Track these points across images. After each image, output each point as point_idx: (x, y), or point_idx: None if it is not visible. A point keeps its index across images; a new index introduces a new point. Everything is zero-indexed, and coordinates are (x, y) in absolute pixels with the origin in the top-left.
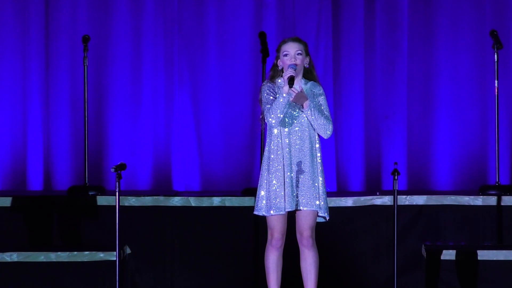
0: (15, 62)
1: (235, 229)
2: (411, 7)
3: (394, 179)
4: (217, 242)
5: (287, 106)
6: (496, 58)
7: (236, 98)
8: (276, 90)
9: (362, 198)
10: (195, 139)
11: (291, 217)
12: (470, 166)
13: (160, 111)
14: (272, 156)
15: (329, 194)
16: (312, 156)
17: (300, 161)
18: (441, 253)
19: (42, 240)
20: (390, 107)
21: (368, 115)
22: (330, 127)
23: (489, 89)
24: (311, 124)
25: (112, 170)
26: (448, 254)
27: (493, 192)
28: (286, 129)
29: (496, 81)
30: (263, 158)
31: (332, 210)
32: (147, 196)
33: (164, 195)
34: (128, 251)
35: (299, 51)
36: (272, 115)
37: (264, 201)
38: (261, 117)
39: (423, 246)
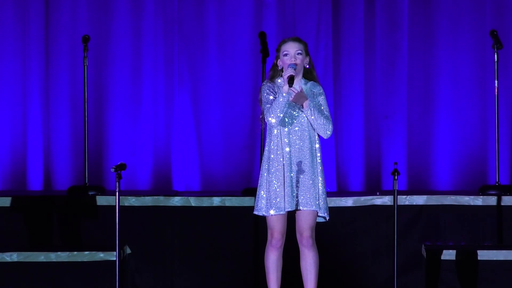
0: (15, 62)
1: (235, 229)
2: (411, 7)
3: (394, 179)
4: (217, 242)
5: (286, 106)
6: (496, 58)
7: (236, 98)
8: (276, 90)
9: (362, 198)
10: (195, 139)
11: (291, 217)
12: (470, 166)
13: (160, 111)
14: (272, 156)
15: (329, 194)
16: (312, 156)
17: (300, 161)
18: (441, 253)
19: (42, 240)
20: (390, 107)
21: (368, 115)
22: (330, 127)
23: (489, 89)
24: (311, 124)
25: (112, 170)
26: (448, 254)
27: (493, 192)
28: (286, 129)
29: (496, 81)
30: (263, 158)
31: (332, 210)
32: (147, 196)
33: (164, 195)
34: (128, 251)
35: (299, 51)
36: (272, 115)
37: (264, 201)
38: (261, 117)
39: (423, 246)
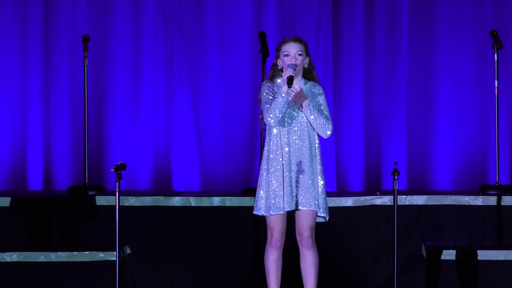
0: (15, 62)
1: (235, 229)
2: (411, 7)
3: (394, 179)
4: (217, 242)
5: (286, 106)
6: (496, 58)
7: (236, 98)
8: (276, 90)
9: (362, 198)
10: (195, 139)
11: (291, 217)
12: (470, 166)
13: (160, 111)
14: (272, 156)
15: (329, 194)
16: (312, 156)
17: (300, 161)
18: (441, 253)
19: (42, 240)
20: (390, 107)
21: (368, 115)
22: (330, 127)
23: (489, 89)
24: (310, 124)
25: (112, 170)
26: (448, 254)
27: (493, 192)
28: (286, 129)
29: (496, 81)
30: (263, 158)
31: (332, 210)
32: (147, 196)
33: (164, 195)
34: (128, 251)
35: (300, 52)
36: (271, 115)
37: (263, 201)
38: (260, 116)
39: (423, 246)
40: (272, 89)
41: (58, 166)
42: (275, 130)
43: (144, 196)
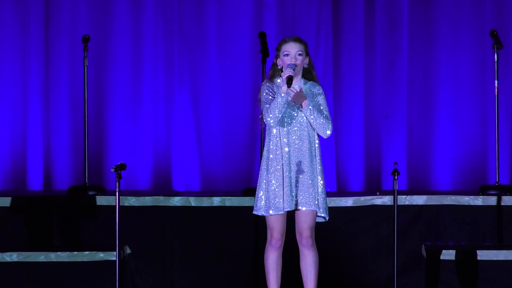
0: (15, 62)
1: (235, 229)
2: (411, 7)
3: (394, 179)
4: (217, 242)
5: (285, 106)
6: (496, 58)
7: (236, 98)
8: (275, 90)
9: (362, 198)
10: (195, 139)
11: (290, 217)
12: (470, 166)
13: (160, 111)
14: (271, 156)
15: (329, 194)
16: (311, 156)
17: (299, 161)
18: (441, 253)
19: (42, 240)
20: (390, 107)
21: (368, 115)
22: (330, 126)
23: (489, 89)
24: (310, 124)
25: (112, 170)
26: (448, 254)
27: (493, 192)
28: (285, 129)
29: (496, 81)
30: (262, 158)
31: (332, 210)
32: (147, 196)
33: (164, 195)
34: (128, 251)
35: (300, 52)
36: (271, 115)
37: (263, 201)
38: (260, 117)
39: (423, 246)
40: (271, 89)
41: (58, 166)
42: (274, 130)
43: (144, 196)
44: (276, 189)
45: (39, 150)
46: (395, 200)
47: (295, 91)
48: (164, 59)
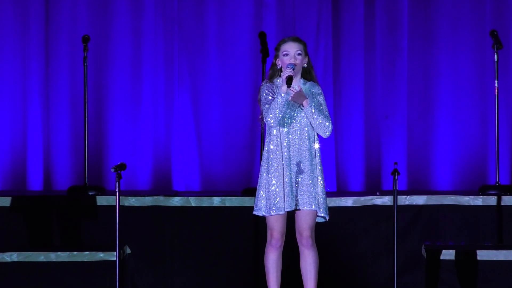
0: (15, 62)
1: (235, 229)
2: (411, 7)
3: (394, 179)
4: (217, 242)
5: (285, 106)
6: (496, 58)
7: (236, 98)
8: (275, 90)
9: (362, 198)
10: (195, 139)
11: (290, 217)
12: (470, 166)
13: (160, 111)
14: (272, 156)
15: (329, 194)
16: (311, 156)
17: (299, 161)
18: (441, 253)
19: (42, 240)
20: (390, 107)
21: (368, 115)
22: (330, 126)
23: (489, 89)
24: (310, 124)
25: (112, 170)
26: (448, 254)
27: (493, 192)
28: (285, 129)
29: (496, 81)
30: (262, 158)
31: (332, 210)
32: (147, 196)
33: (164, 195)
34: (128, 251)
35: (299, 51)
36: (271, 115)
37: (263, 201)
38: (260, 117)
39: (423, 246)
40: (271, 89)
41: (58, 166)
42: (275, 131)
43: (144, 196)
44: (277, 189)
45: (39, 150)
46: (395, 200)
47: (295, 91)
48: (164, 59)
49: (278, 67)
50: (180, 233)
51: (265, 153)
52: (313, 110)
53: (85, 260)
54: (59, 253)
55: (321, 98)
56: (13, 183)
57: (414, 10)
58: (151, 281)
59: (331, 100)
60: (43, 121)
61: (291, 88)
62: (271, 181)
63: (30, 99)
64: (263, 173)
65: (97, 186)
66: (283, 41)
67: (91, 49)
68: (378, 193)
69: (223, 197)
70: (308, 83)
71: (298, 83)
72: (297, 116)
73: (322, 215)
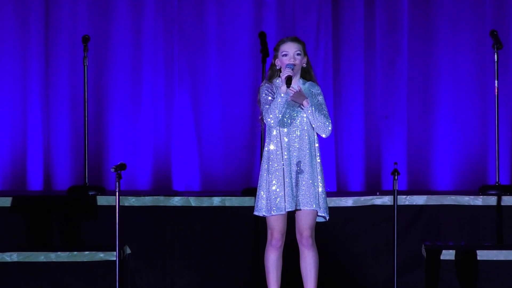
0: (15, 62)
1: (235, 229)
2: (411, 7)
3: (394, 179)
4: (217, 242)
5: (285, 106)
6: (496, 58)
7: (236, 98)
8: (274, 90)
9: (362, 198)
10: (195, 139)
11: (291, 217)
12: (470, 166)
13: (160, 111)
14: (272, 156)
15: (329, 194)
16: (311, 156)
17: (300, 161)
18: (441, 253)
19: (42, 240)
20: (390, 107)
21: (368, 115)
22: (330, 126)
23: (489, 89)
24: (310, 124)
25: (112, 170)
26: (448, 254)
27: (493, 192)
28: (285, 129)
29: (496, 81)
30: (263, 158)
31: (332, 210)
32: (147, 196)
33: (164, 195)
34: (128, 251)
35: (298, 51)
36: (271, 115)
37: (264, 202)
38: (260, 117)
39: (423, 246)
40: (271, 89)
41: (58, 166)
42: (275, 131)
43: (144, 196)
44: (277, 190)
45: (39, 150)
46: (395, 200)
47: (295, 91)
48: (164, 59)
49: (277, 68)
50: (180, 233)
51: (265, 153)
52: (313, 110)
53: (85, 260)
54: (59, 253)
55: (320, 98)
56: (13, 183)
57: (414, 10)
58: (151, 281)
59: (331, 100)
60: (43, 121)
61: (290, 88)
62: (272, 181)
63: (30, 99)
64: (263, 174)
65: (97, 186)
66: (282, 41)
67: (91, 49)
68: (378, 193)
69: (223, 197)
70: (308, 83)
71: (297, 83)
72: (297, 116)
73: (322, 214)
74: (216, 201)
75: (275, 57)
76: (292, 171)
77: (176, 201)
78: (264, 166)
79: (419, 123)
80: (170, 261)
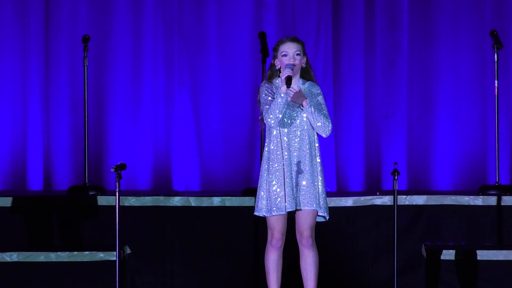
0: (15, 62)
1: (235, 229)
2: (411, 7)
3: (394, 179)
4: (217, 242)
5: (285, 106)
6: (496, 58)
7: (236, 98)
8: (274, 90)
9: (362, 198)
10: (195, 139)
11: (291, 217)
12: (470, 166)
13: (160, 111)
14: (272, 156)
15: (329, 194)
16: (312, 156)
17: (300, 161)
18: (441, 253)
19: (42, 240)
20: (390, 107)
21: (368, 115)
22: (330, 125)
23: (489, 89)
24: (310, 124)
25: (112, 170)
26: (448, 254)
27: (493, 192)
28: (285, 130)
29: (496, 81)
30: (263, 158)
31: (332, 210)
32: (147, 196)
33: (164, 195)
34: (128, 251)
35: (298, 51)
36: (271, 116)
37: (264, 202)
38: (260, 117)
39: (423, 246)
40: (270, 89)
41: (58, 166)
42: (275, 131)
43: (144, 196)
44: (277, 190)
45: (39, 150)
46: (395, 200)
47: (295, 91)
48: (164, 59)
49: (277, 68)
50: (180, 233)
51: (265, 153)
52: (313, 110)
53: (85, 260)
54: (59, 253)
55: (320, 98)
56: (13, 183)
57: (414, 10)
58: (151, 281)
59: (331, 100)
60: (43, 121)
61: (290, 88)
62: (272, 182)
63: (30, 99)
64: (263, 174)
65: (97, 186)
66: (281, 41)
67: (91, 49)
68: (378, 193)
69: (223, 197)
70: (307, 83)
71: (297, 83)
72: (297, 116)
73: (323, 214)
74: (216, 201)
75: (275, 57)
76: (293, 171)
77: (176, 201)
78: (264, 166)
79: (419, 123)
80: (170, 261)
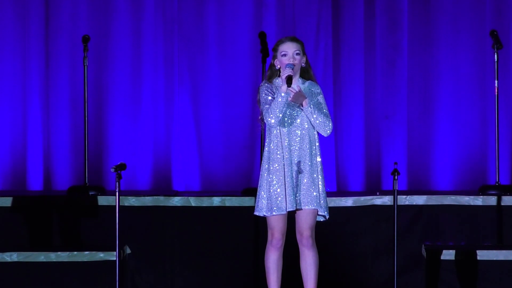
0: (15, 62)
1: (235, 229)
2: (411, 7)
3: (394, 179)
4: (217, 242)
5: (285, 106)
6: (496, 58)
7: (236, 98)
8: (274, 90)
9: (362, 198)
10: (195, 139)
11: (291, 217)
12: (470, 166)
13: (160, 111)
14: (272, 156)
15: (329, 194)
16: (312, 155)
17: (300, 161)
18: (441, 253)
19: (42, 240)
20: (390, 107)
21: (368, 115)
22: (330, 125)
23: (489, 89)
24: (310, 123)
25: (112, 170)
26: (448, 254)
27: (493, 192)
28: (286, 129)
29: (496, 81)
30: (263, 158)
31: (332, 210)
32: (147, 196)
33: (164, 195)
34: (128, 251)
35: (297, 51)
36: (271, 115)
37: (264, 202)
38: (260, 117)
39: (423, 246)
40: (270, 89)
41: (58, 166)
42: (275, 131)
43: (144, 196)
44: (278, 189)
45: (39, 150)
46: (395, 200)
47: (295, 91)
48: (164, 59)
49: (277, 68)
50: (180, 233)
51: (265, 153)
52: (313, 109)
53: (85, 260)
54: (59, 253)
55: (320, 97)
56: (13, 183)
57: (414, 10)
58: (151, 281)
59: (331, 100)
60: (43, 121)
61: (290, 88)
62: (272, 181)
63: (30, 99)
64: (263, 173)
65: (97, 186)
66: (280, 41)
67: (91, 49)
68: (378, 193)
69: (223, 197)
70: (307, 82)
71: (297, 83)
72: (297, 116)
73: (323, 213)
74: (216, 201)
75: (274, 57)
76: (293, 170)
77: (176, 201)
78: (264, 166)
79: (419, 123)
80: (170, 261)
